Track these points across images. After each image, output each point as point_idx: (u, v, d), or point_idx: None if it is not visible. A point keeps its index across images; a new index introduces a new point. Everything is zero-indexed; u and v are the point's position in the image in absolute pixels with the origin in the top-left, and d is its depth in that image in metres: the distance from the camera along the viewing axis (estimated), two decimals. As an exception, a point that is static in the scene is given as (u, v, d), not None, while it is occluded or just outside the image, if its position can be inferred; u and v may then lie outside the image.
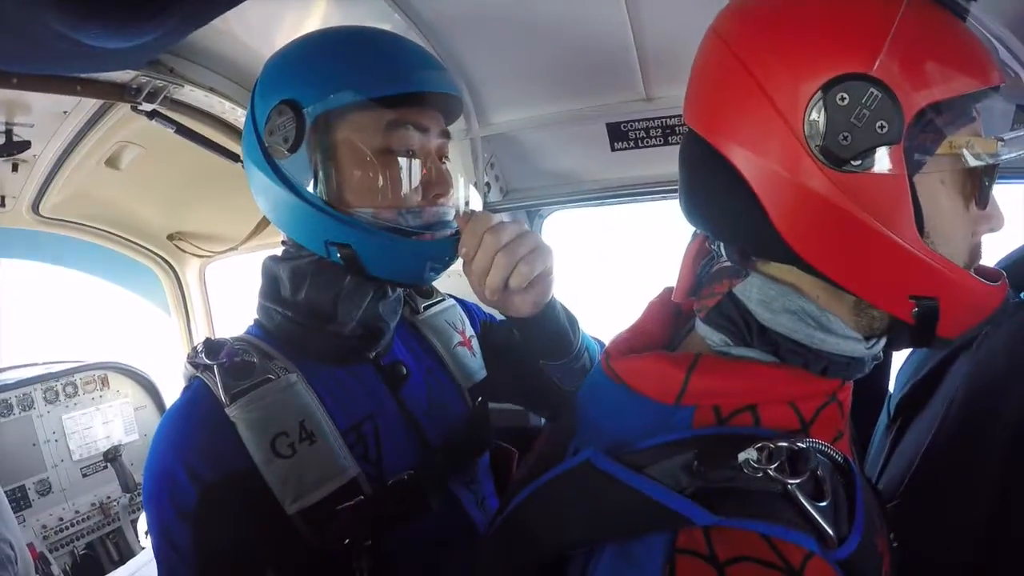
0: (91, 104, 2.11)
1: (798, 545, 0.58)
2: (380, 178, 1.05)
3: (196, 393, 1.05)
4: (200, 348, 1.09)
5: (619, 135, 1.78)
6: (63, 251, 3.64)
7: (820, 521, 0.60)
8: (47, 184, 2.73)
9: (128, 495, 3.49)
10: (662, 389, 0.72)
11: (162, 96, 1.93)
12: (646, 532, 0.62)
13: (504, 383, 1.41)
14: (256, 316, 1.19)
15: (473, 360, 1.36)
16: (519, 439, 1.37)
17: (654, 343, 0.85)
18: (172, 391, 3.71)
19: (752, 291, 0.72)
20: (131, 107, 1.95)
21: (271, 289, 1.15)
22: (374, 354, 1.19)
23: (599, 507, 0.66)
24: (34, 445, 3.33)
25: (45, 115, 2.15)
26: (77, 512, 3.40)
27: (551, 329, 1.16)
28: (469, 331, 1.40)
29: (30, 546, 3.05)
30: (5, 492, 2.83)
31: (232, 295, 3.91)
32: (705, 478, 0.62)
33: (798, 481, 0.60)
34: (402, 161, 1.06)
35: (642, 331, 0.86)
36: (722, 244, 0.78)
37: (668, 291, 0.89)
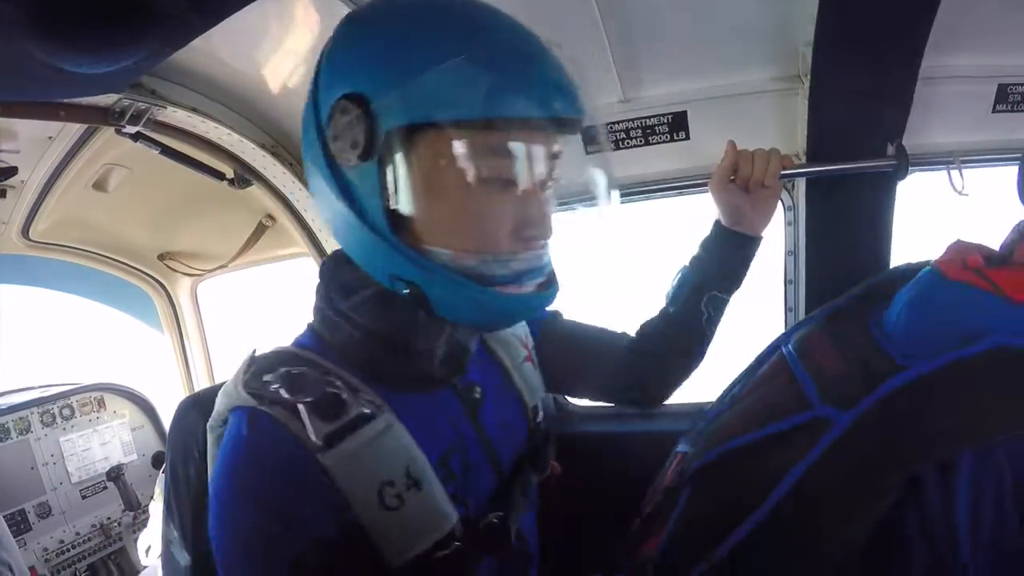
0: (76, 128, 2.12)
1: None
2: (468, 216, 0.85)
3: (270, 433, 0.85)
4: (269, 377, 0.90)
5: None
6: (54, 275, 3.64)
7: None
8: (36, 209, 2.73)
9: (132, 513, 3.49)
10: None
11: (145, 118, 1.93)
12: None
13: (577, 372, 1.32)
14: (313, 323, 1.03)
15: (536, 376, 1.23)
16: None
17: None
18: (170, 411, 3.70)
19: None
20: (115, 130, 1.96)
21: (337, 295, 0.97)
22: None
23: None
24: (32, 468, 3.32)
25: (31, 141, 2.16)
26: (78, 534, 3.39)
27: (751, 255, 1.27)
28: (531, 343, 1.26)
29: (32, 569, 3.05)
30: (5, 516, 2.84)
31: (224, 313, 3.92)
32: None
33: None
34: (501, 196, 0.85)
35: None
36: None
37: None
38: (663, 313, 1.31)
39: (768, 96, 1.59)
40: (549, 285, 0.96)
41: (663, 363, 1.32)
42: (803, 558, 0.81)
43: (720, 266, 1.26)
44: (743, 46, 1.54)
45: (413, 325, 0.93)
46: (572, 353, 1.30)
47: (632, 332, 1.34)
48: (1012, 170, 1.30)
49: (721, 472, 0.97)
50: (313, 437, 0.83)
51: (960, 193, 1.48)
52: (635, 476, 1.34)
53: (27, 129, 2.07)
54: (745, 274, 1.29)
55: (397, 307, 0.92)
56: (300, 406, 0.85)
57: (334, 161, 0.87)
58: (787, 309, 1.83)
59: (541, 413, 1.21)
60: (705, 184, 1.30)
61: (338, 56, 0.88)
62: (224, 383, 0.96)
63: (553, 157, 0.88)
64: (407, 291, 0.88)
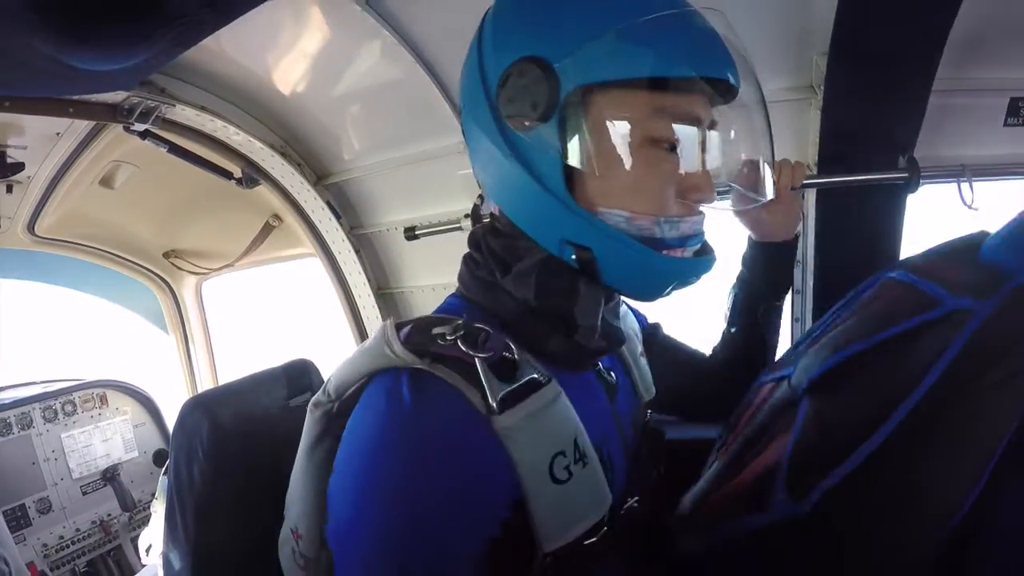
0: (84, 125, 2.13)
1: None
2: (645, 176, 0.84)
3: (440, 395, 0.78)
4: (442, 329, 0.83)
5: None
6: (59, 270, 3.65)
7: None
8: (42, 205, 2.75)
9: (127, 514, 3.49)
10: None
11: (154, 116, 1.94)
12: None
13: (668, 384, 1.26)
14: (466, 293, 0.98)
15: (649, 373, 1.20)
16: None
17: None
18: (172, 408, 3.71)
19: None
20: (123, 127, 1.97)
21: (498, 268, 0.94)
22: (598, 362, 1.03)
23: None
24: (33, 464, 3.32)
25: (38, 137, 2.17)
26: (78, 530, 3.39)
27: (791, 257, 1.28)
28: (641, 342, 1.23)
29: (31, 565, 3.05)
30: (5, 511, 2.84)
31: (228, 311, 3.92)
32: None
33: None
34: (672, 158, 0.85)
35: None
36: None
37: None
38: (726, 336, 1.33)
39: (781, 106, 1.58)
40: (707, 252, 0.95)
41: (734, 377, 1.30)
42: (955, 442, 0.80)
43: (766, 280, 1.28)
44: (757, 55, 1.51)
45: (575, 297, 0.89)
46: (669, 365, 1.29)
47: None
48: (1022, 184, 1.30)
49: (847, 377, 0.94)
50: (490, 398, 0.77)
51: (970, 207, 1.48)
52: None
53: (35, 125, 2.08)
54: (791, 275, 1.30)
55: (559, 278, 0.89)
56: (478, 361, 0.79)
57: (506, 125, 0.85)
58: (794, 319, 1.82)
59: (650, 412, 1.19)
60: (717, 194, 1.30)
61: (508, 20, 0.89)
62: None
63: (710, 124, 0.89)
64: (574, 257, 0.86)
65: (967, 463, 0.77)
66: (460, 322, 0.84)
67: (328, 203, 2.40)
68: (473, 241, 1.00)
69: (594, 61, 0.80)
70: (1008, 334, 0.79)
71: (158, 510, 2.88)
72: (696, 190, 0.87)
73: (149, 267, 3.65)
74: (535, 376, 0.82)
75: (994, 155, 1.51)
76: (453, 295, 1.01)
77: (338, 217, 2.42)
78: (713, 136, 0.89)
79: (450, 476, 0.75)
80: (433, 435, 0.76)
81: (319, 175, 2.38)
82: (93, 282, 3.91)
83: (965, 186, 1.47)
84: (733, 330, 1.31)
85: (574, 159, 0.83)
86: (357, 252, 2.47)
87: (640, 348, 1.19)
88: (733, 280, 1.33)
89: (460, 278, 1.00)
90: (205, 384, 3.92)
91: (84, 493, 3.47)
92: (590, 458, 0.84)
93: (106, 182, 2.67)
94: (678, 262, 0.89)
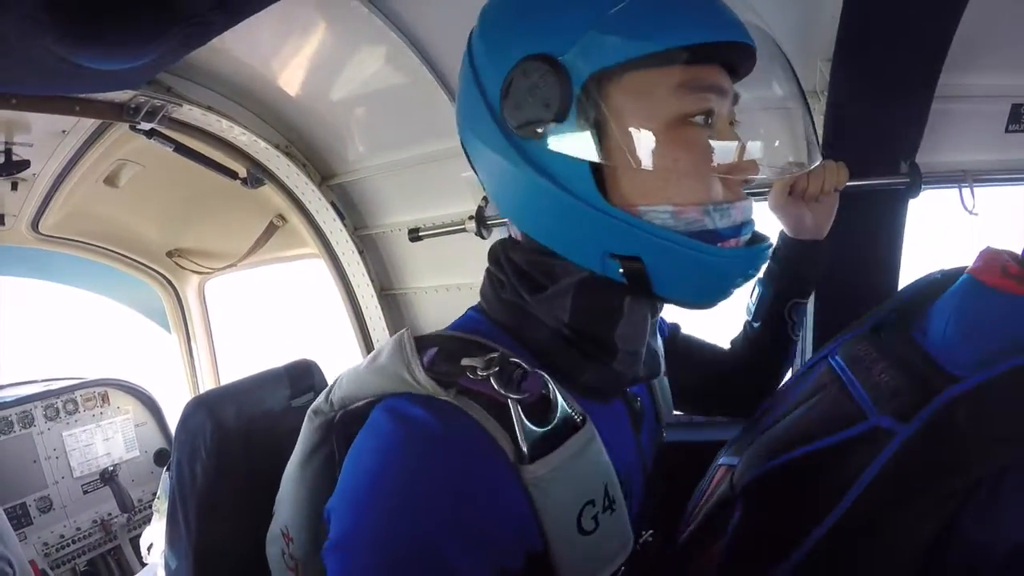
0: (90, 123, 2.14)
1: None
2: (685, 161, 0.76)
3: (466, 432, 0.70)
4: (473, 361, 0.75)
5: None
6: (63, 269, 3.66)
7: None
8: (47, 202, 2.76)
9: (126, 515, 3.49)
10: None
11: (160, 115, 1.95)
12: None
13: (689, 385, 1.25)
14: (489, 312, 0.91)
15: (669, 392, 1.15)
16: None
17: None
18: (173, 408, 3.72)
19: None
20: (130, 126, 1.97)
21: (525, 289, 0.85)
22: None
23: None
24: (35, 462, 3.33)
25: (44, 134, 2.18)
26: (78, 529, 3.39)
27: (823, 256, 1.26)
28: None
29: (32, 563, 3.05)
30: (6, 509, 2.84)
31: (231, 311, 3.93)
32: None
33: None
34: (707, 133, 0.77)
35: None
36: None
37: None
38: (749, 329, 1.32)
39: (783, 110, 1.59)
40: (760, 240, 0.87)
41: (757, 374, 1.32)
42: (876, 560, 0.83)
43: (795, 276, 1.28)
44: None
45: (617, 318, 0.82)
46: (691, 367, 1.27)
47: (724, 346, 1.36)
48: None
49: (778, 484, 0.97)
50: (523, 444, 0.69)
51: (971, 212, 1.48)
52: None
53: (41, 123, 2.09)
54: (820, 273, 1.30)
55: (601, 298, 0.82)
56: (511, 403, 0.71)
57: (516, 137, 0.78)
58: (795, 324, 1.82)
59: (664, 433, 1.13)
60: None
61: (499, 24, 0.82)
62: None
63: (734, 97, 0.81)
64: (621, 271, 0.78)
65: (891, 570, 0.81)
66: (495, 356, 0.76)
67: (332, 203, 2.41)
68: (493, 256, 0.92)
69: (602, 44, 0.73)
70: (928, 457, 0.81)
71: (160, 509, 2.88)
72: (739, 167, 0.78)
73: (152, 266, 3.66)
74: (571, 416, 0.75)
75: (996, 161, 1.52)
76: (475, 310, 0.93)
77: (342, 218, 2.42)
78: (744, 106, 0.82)
79: (476, 515, 0.67)
80: (456, 470, 0.68)
81: (324, 175, 2.39)
82: (96, 280, 3.92)
83: (966, 191, 1.47)
84: (757, 324, 1.30)
85: (603, 156, 0.75)
86: (361, 253, 2.48)
87: (664, 366, 1.04)
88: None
89: (483, 295, 0.92)
90: (207, 384, 3.92)
91: (85, 492, 3.48)
92: (618, 503, 0.77)
93: (111, 181, 2.68)
94: (738, 254, 0.80)
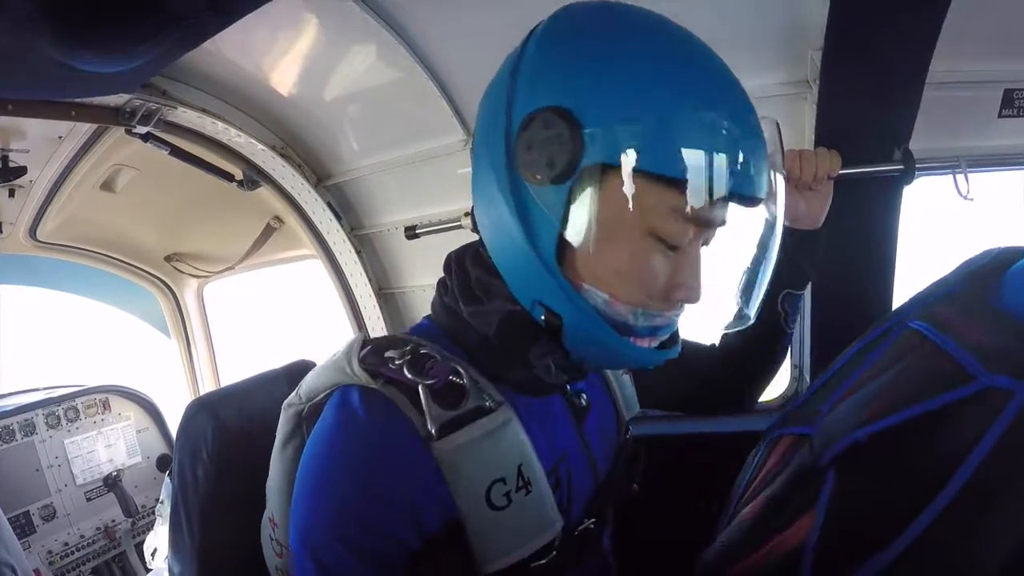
0: (86, 128, 2.14)
1: None
2: (642, 269, 0.81)
3: (385, 415, 0.82)
4: (392, 353, 0.87)
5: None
6: (61, 275, 3.66)
7: None
8: (44, 209, 2.76)
9: (130, 519, 3.49)
10: None
11: (155, 119, 1.95)
12: None
13: (672, 382, 1.26)
14: (435, 317, 1.00)
15: (632, 391, 1.21)
16: None
17: None
18: (175, 413, 3.71)
19: None
20: (125, 130, 1.98)
21: (464, 299, 0.94)
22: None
23: None
24: (37, 471, 3.33)
25: (40, 140, 2.18)
26: (82, 536, 3.39)
27: (818, 245, 1.28)
28: None
29: (37, 572, 3.05)
30: (10, 518, 2.84)
31: (230, 315, 3.93)
32: None
33: None
34: (672, 257, 0.81)
35: None
36: None
37: None
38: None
39: (776, 100, 1.59)
40: (672, 343, 0.95)
41: (751, 366, 1.32)
42: (1000, 534, 0.77)
43: (790, 265, 1.26)
44: (751, 51, 1.54)
45: (533, 345, 0.88)
46: (672, 367, 1.27)
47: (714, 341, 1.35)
48: (1018, 175, 1.30)
49: (878, 453, 0.92)
50: (429, 424, 0.80)
51: (965, 198, 1.48)
52: (660, 478, 1.33)
53: (37, 129, 2.09)
54: (815, 264, 1.30)
55: (522, 329, 0.88)
56: (421, 388, 0.82)
57: (516, 170, 0.80)
58: (793, 314, 1.83)
59: (631, 430, 1.18)
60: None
61: (558, 55, 0.81)
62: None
63: (720, 223, 0.84)
64: (543, 318, 0.85)
65: (1012, 549, 0.75)
66: (410, 347, 0.88)
67: (329, 204, 2.41)
68: (446, 263, 1.00)
69: (631, 144, 0.73)
70: None
71: (163, 514, 2.89)
72: (685, 291, 0.83)
73: (151, 271, 3.66)
74: (484, 403, 0.85)
75: (989, 146, 1.52)
76: (428, 317, 1.02)
77: (339, 218, 2.43)
78: (718, 240, 0.86)
79: (392, 484, 0.79)
80: (378, 449, 0.81)
81: (320, 176, 2.39)
82: (95, 287, 3.92)
83: (961, 177, 1.47)
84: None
85: (573, 234, 0.79)
86: (358, 253, 2.48)
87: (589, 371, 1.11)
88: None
89: (432, 300, 1.02)
90: (207, 388, 3.91)
91: (88, 499, 3.48)
92: (535, 485, 0.86)
93: (108, 186, 2.68)
94: (640, 351, 0.88)
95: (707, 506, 1.29)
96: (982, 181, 1.51)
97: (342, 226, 2.44)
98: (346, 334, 2.68)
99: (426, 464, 0.80)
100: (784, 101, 1.59)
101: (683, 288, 0.83)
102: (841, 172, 1.30)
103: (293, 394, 0.97)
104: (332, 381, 0.89)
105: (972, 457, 0.79)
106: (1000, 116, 1.48)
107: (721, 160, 0.74)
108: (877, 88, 1.38)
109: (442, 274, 1.01)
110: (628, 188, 0.75)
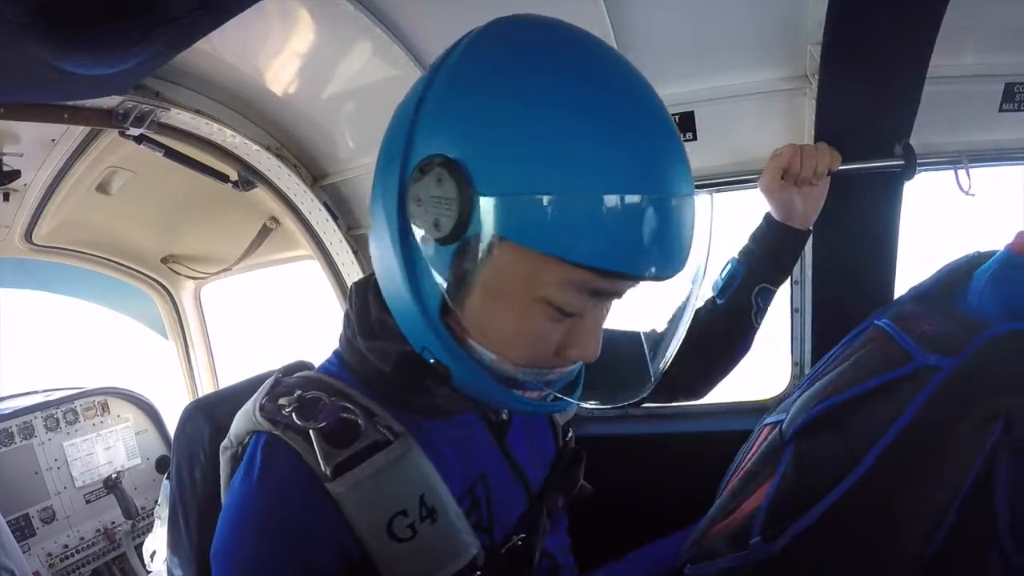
0: (80, 131, 2.13)
1: None
2: (527, 335, 0.77)
3: (281, 462, 0.83)
4: (284, 401, 0.87)
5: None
6: (58, 278, 3.65)
7: None
8: (39, 212, 2.75)
9: (130, 521, 3.48)
10: None
11: (149, 120, 1.94)
12: None
13: (616, 377, 1.14)
14: (340, 349, 0.98)
15: None
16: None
17: None
18: (173, 415, 3.71)
19: None
20: (119, 132, 1.96)
21: (362, 333, 0.92)
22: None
23: None
24: (36, 473, 3.31)
25: (34, 143, 2.17)
26: (82, 539, 3.38)
27: (802, 245, 1.30)
28: None
29: (36, 574, 3.05)
30: (9, 521, 2.83)
31: (227, 316, 3.92)
32: None
33: None
34: (565, 322, 0.77)
35: None
36: None
37: None
38: (710, 306, 1.29)
39: (775, 96, 1.58)
40: (571, 391, 0.93)
41: (710, 357, 1.29)
42: (909, 501, 0.87)
43: (772, 260, 1.27)
44: (750, 46, 1.53)
45: (431, 380, 0.85)
46: (611, 359, 1.22)
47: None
48: (1019, 170, 1.29)
49: (827, 426, 1.01)
50: (322, 465, 0.80)
51: (967, 193, 1.48)
52: (657, 478, 1.32)
53: (31, 132, 2.08)
54: (793, 266, 1.31)
55: (417, 366, 0.84)
56: (311, 432, 0.82)
57: (407, 218, 0.76)
58: (793, 310, 1.82)
59: (571, 432, 1.16)
60: (711, 185, 1.30)
61: (459, 99, 0.73)
62: (245, 400, 0.95)
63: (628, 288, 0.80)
64: (432, 362, 0.82)
65: (930, 505, 0.85)
66: (296, 395, 0.87)
67: (325, 204, 2.40)
68: (349, 296, 0.97)
69: (526, 219, 0.68)
70: (972, 387, 0.86)
71: (162, 516, 2.88)
72: (581, 350, 0.80)
73: (148, 273, 3.65)
74: (378, 438, 0.85)
75: (990, 141, 1.51)
76: (336, 351, 1.00)
77: (335, 218, 2.41)
78: (617, 306, 0.83)
79: (287, 545, 0.80)
80: (272, 505, 0.81)
81: (315, 176, 2.38)
82: (92, 289, 3.91)
83: (962, 172, 1.47)
84: (720, 302, 1.28)
85: (456, 297, 0.76)
86: (355, 253, 2.47)
87: None
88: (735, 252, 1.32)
89: (339, 335, 0.99)
90: (206, 389, 3.91)
91: (87, 502, 3.46)
92: (441, 513, 0.85)
93: (103, 188, 2.67)
94: (530, 404, 0.87)
95: (695, 500, 1.29)
96: (984, 176, 1.50)
97: (339, 226, 2.42)
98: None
99: (322, 505, 0.81)
100: (783, 96, 1.58)
101: (578, 349, 0.80)
102: (841, 168, 1.29)
103: (227, 438, 0.96)
104: (246, 428, 0.90)
105: (900, 420, 0.89)
106: (1001, 110, 1.47)
107: (632, 244, 0.68)
108: (877, 83, 1.37)
109: None
110: (519, 266, 0.71)
